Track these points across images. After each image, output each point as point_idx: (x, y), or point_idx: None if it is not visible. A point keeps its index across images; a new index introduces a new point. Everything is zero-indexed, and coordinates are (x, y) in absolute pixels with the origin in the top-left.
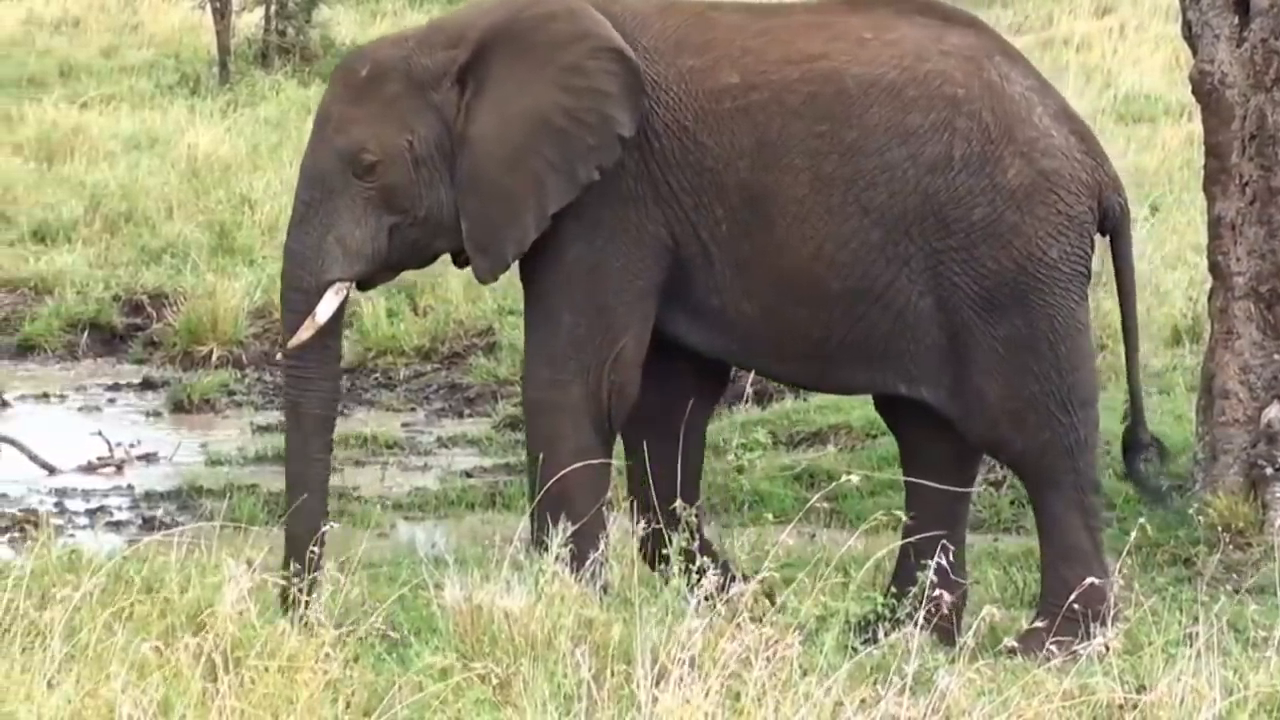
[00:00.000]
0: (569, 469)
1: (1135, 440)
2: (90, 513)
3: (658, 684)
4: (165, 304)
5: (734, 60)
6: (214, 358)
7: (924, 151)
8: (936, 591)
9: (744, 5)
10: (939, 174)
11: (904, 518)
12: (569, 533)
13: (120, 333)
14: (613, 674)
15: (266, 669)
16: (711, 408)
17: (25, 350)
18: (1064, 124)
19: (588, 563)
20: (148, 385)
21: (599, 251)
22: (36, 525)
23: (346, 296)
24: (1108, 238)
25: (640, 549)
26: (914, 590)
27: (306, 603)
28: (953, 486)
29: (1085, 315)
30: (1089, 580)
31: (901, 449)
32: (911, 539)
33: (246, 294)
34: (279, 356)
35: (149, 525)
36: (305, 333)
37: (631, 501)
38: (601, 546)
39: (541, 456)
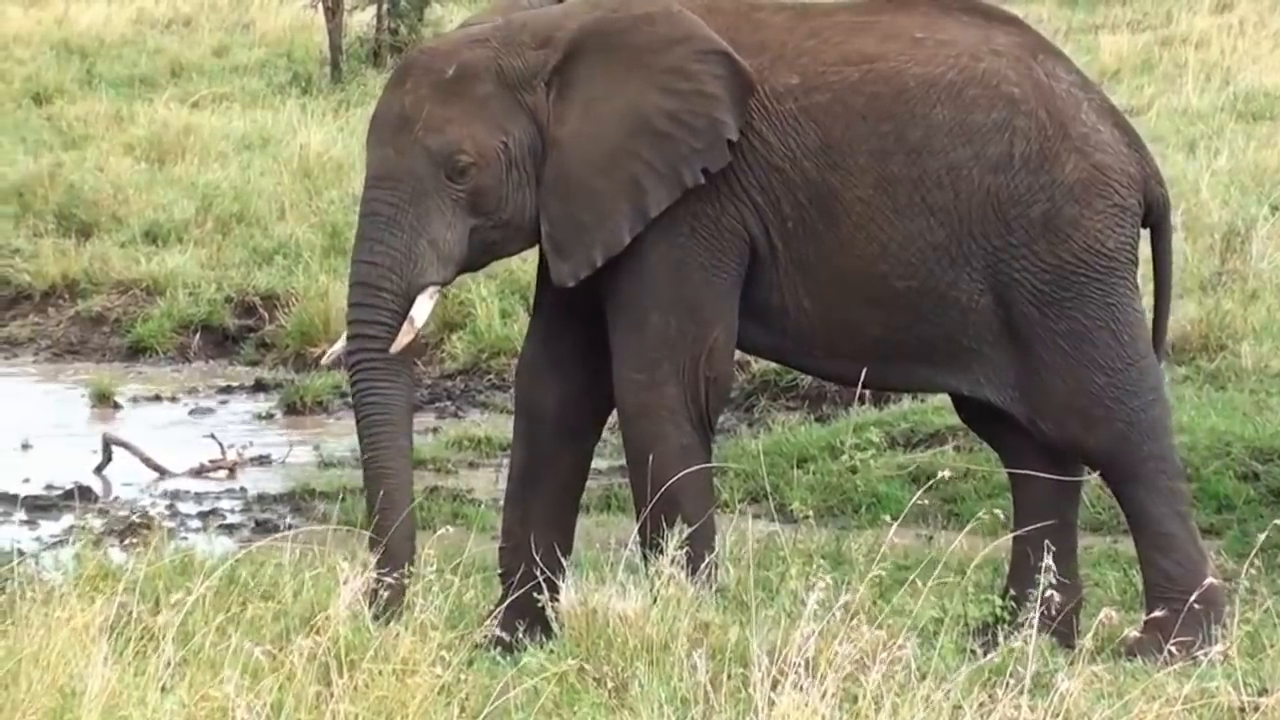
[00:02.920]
0: (675, 471)
1: None
2: (202, 515)
3: (774, 687)
4: (277, 305)
5: (790, 61)
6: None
7: (987, 151)
8: (1049, 593)
9: (782, 4)
10: (1001, 173)
11: (1014, 521)
12: (681, 536)
13: (232, 334)
14: (729, 677)
15: (380, 672)
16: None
17: (136, 352)
18: (1108, 119)
19: (703, 565)
20: (260, 387)
21: (680, 249)
22: (149, 528)
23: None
24: (1149, 230)
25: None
26: (1032, 592)
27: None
28: (1056, 487)
29: (1140, 304)
30: (1208, 581)
31: (1000, 456)
32: (1022, 539)
33: None
34: (325, 360)
35: (261, 528)
36: (406, 336)
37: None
38: (716, 548)
39: (647, 461)
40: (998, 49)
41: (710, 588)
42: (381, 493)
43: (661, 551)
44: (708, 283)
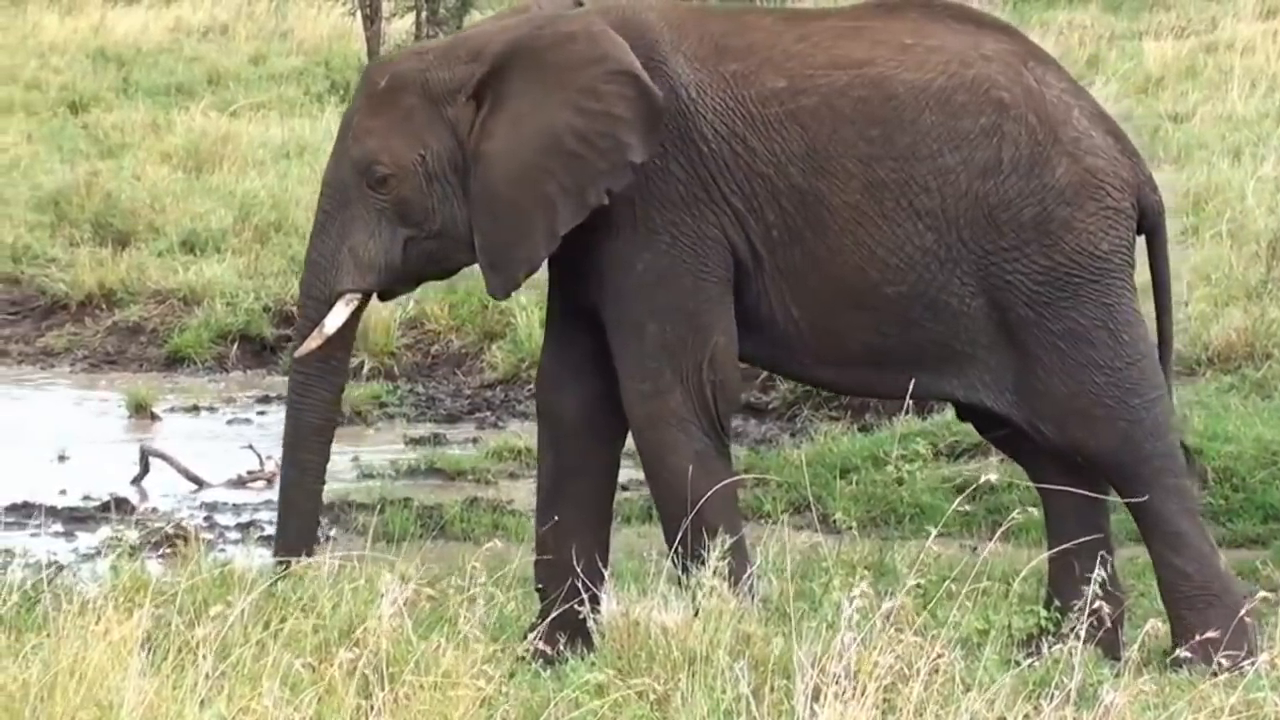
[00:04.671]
0: (691, 479)
1: None
2: (240, 527)
3: (816, 698)
4: None
5: (778, 65)
6: (365, 369)
7: (975, 156)
8: (1095, 604)
9: (774, 10)
10: (990, 178)
11: (1046, 532)
12: (720, 546)
13: (270, 344)
14: (772, 689)
15: (421, 685)
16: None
17: (174, 362)
18: (1100, 124)
19: (740, 574)
20: None
21: (665, 256)
22: (186, 540)
23: (360, 308)
24: (1144, 237)
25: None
26: (1075, 603)
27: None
28: (1084, 496)
29: (1137, 305)
30: (1225, 577)
31: (1024, 469)
32: (1056, 551)
33: (398, 305)
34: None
35: None
36: (313, 342)
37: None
38: (746, 554)
39: (662, 471)
40: (987, 55)
41: (742, 595)
42: (283, 501)
43: (693, 561)
44: (698, 288)
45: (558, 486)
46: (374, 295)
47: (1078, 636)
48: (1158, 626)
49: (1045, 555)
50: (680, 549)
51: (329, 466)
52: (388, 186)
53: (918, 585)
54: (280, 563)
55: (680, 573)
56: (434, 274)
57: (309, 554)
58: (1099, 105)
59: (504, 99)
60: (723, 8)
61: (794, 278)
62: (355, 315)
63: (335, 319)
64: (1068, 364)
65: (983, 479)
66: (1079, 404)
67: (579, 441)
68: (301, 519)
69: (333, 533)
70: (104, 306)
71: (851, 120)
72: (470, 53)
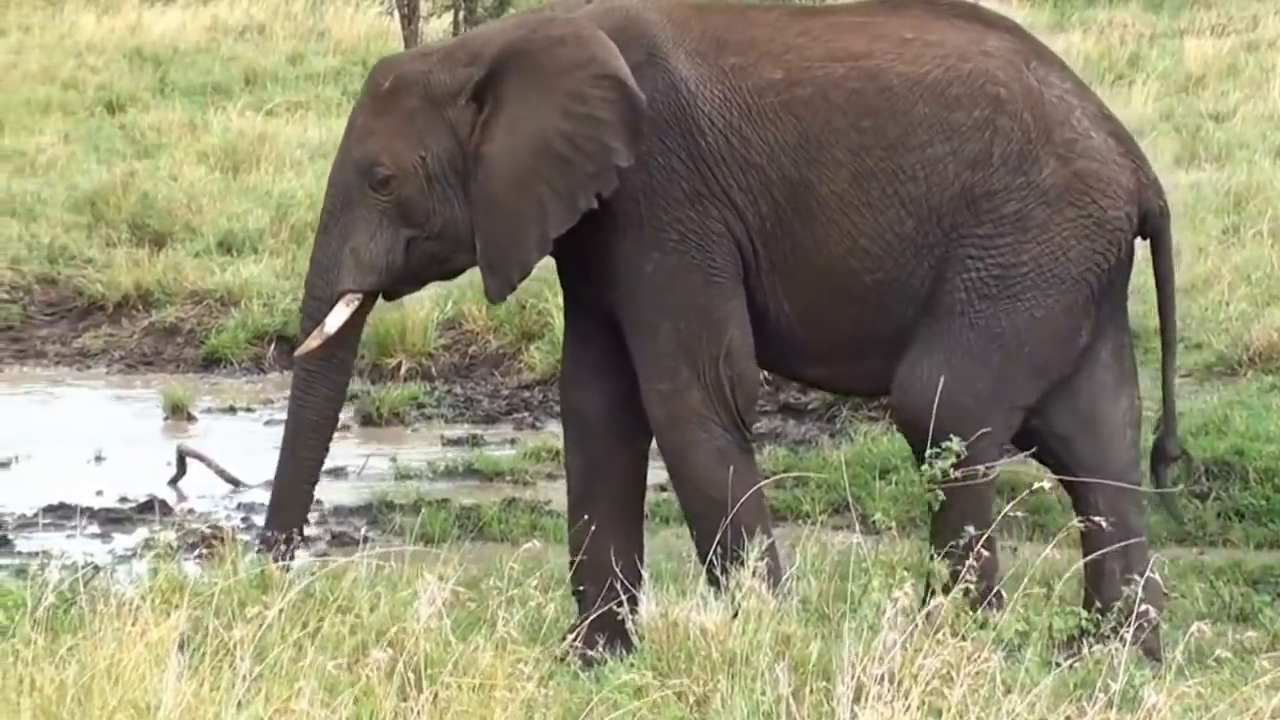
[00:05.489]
0: (714, 476)
1: (1163, 451)
2: None
3: (857, 700)
4: None
5: (776, 57)
6: (403, 370)
7: (965, 148)
8: (1143, 607)
9: (779, 4)
10: (979, 170)
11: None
12: (758, 546)
13: None
14: (811, 691)
15: (460, 686)
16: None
17: (211, 363)
18: (1102, 126)
19: (774, 574)
20: None
21: (673, 254)
22: (223, 541)
23: (365, 308)
24: (1148, 240)
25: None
26: (1115, 603)
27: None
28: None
29: (1074, 322)
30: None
31: (1051, 469)
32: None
33: (436, 306)
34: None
35: (338, 541)
36: (313, 341)
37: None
38: (777, 551)
39: (685, 470)
40: (988, 51)
41: (780, 594)
42: (275, 495)
43: (729, 561)
44: (709, 284)
45: (588, 486)
46: (378, 295)
47: (1121, 638)
48: (1203, 629)
49: (1087, 560)
50: (706, 547)
51: (371, 467)
52: (389, 187)
53: (965, 591)
54: (263, 551)
55: (720, 574)
56: (436, 275)
57: (292, 549)
58: (1104, 106)
59: (502, 102)
60: (728, 3)
61: (785, 272)
62: (359, 315)
63: (336, 319)
64: (965, 361)
65: (1035, 485)
66: (961, 401)
67: (604, 440)
68: (290, 513)
69: (370, 533)
70: (140, 307)
71: (845, 111)
72: (469, 55)
